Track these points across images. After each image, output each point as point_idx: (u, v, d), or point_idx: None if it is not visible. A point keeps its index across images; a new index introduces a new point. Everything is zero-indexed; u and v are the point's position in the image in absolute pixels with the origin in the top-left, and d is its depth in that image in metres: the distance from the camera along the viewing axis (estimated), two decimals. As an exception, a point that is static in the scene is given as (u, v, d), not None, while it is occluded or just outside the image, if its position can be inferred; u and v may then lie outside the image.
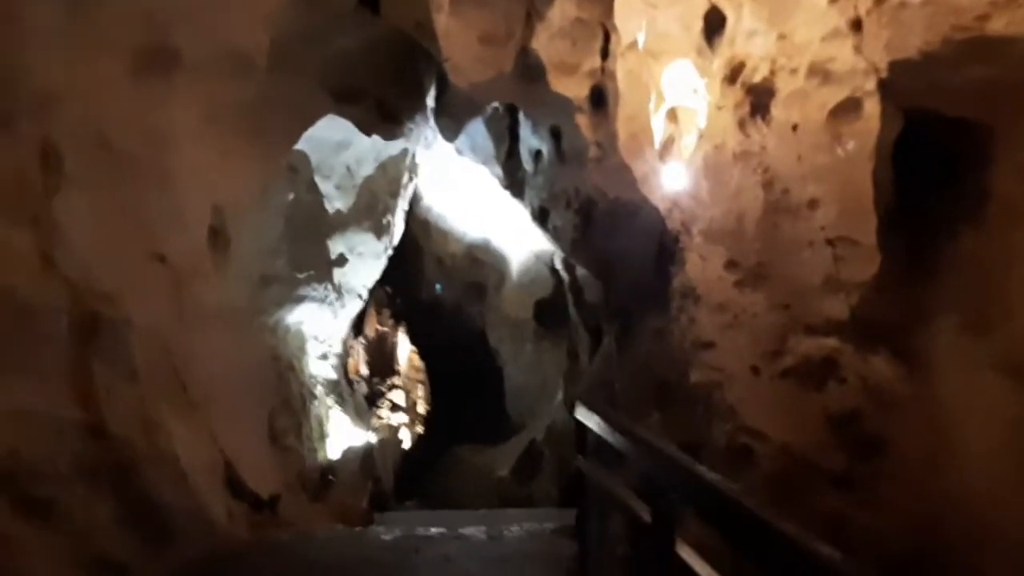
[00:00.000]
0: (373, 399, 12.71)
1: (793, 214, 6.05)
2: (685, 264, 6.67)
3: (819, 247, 5.93)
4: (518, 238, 12.96)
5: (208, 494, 4.32)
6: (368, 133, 7.96)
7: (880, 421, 5.34)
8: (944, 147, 5.35)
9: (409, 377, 14.21)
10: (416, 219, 13.95)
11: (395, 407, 13.18)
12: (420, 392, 14.20)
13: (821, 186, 5.91)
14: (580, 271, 8.57)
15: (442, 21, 6.73)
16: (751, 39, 6.27)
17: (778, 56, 6.16)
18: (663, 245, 7.03)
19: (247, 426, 5.31)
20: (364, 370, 12.90)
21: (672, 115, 7.39)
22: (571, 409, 5.35)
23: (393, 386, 13.43)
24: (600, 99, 6.99)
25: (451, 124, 7.97)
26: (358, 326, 12.64)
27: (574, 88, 6.89)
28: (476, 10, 6.64)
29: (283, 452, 6.34)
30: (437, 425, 14.11)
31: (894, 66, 5.44)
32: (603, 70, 6.91)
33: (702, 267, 6.50)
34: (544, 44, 6.49)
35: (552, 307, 12.57)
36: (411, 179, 11.08)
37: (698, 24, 6.92)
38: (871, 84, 5.61)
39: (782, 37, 6.01)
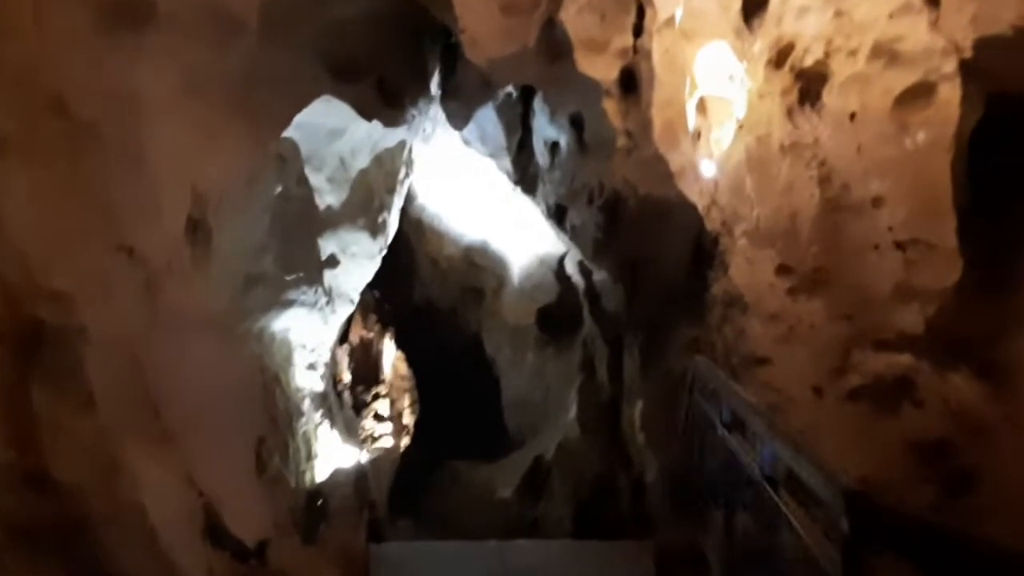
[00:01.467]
0: (356, 409, 12.19)
1: (855, 213, 5.50)
2: (728, 268, 6.05)
3: (887, 250, 5.36)
4: (520, 240, 12.48)
5: (183, 553, 3.53)
6: (368, 117, 7.28)
7: (969, 450, 4.74)
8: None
9: (394, 386, 13.66)
10: (409, 219, 13.48)
11: (379, 417, 12.62)
12: (406, 401, 13.64)
13: (886, 182, 5.36)
14: (597, 276, 7.94)
15: (460, -15, 6.05)
16: (802, 17, 5.66)
17: (834, 36, 5.57)
18: (700, 247, 6.44)
19: (232, 457, 4.59)
20: (347, 378, 12.37)
21: (704, 104, 6.79)
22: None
23: (377, 395, 12.89)
24: (631, 82, 6.40)
25: (460, 110, 7.34)
26: (343, 332, 12.20)
27: (602, 69, 6.28)
28: (498, -26, 5.99)
29: (271, 485, 5.62)
30: (429, 438, 13.47)
31: (981, 44, 4.89)
32: (636, 49, 6.31)
33: (749, 272, 5.90)
34: (572, 16, 5.85)
35: (557, 314, 12.11)
36: (408, 174, 10.45)
37: (737, 1, 6.32)
38: (950, 66, 5.05)
39: (839, 14, 5.40)
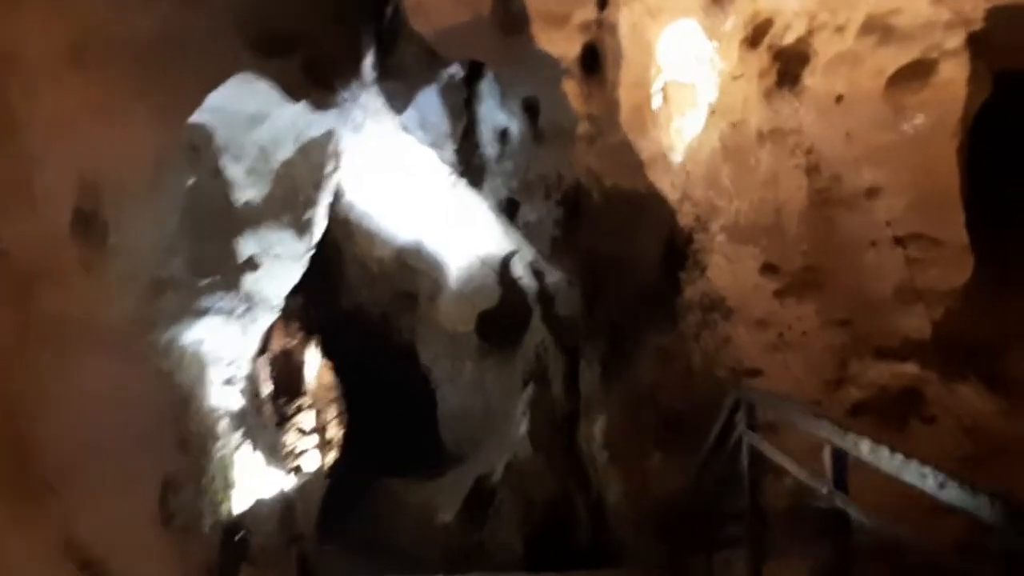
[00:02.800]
0: (279, 422, 11.46)
1: (848, 206, 5.17)
2: (705, 268, 5.54)
3: (885, 247, 5.00)
4: (458, 240, 11.64)
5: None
6: (295, 98, 6.56)
7: (989, 473, 4.29)
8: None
9: (319, 397, 13.00)
10: (336, 218, 12.37)
11: (303, 431, 11.93)
12: (331, 414, 12.99)
13: (882, 171, 5.05)
14: (551, 277, 7.37)
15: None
16: (782, -10, 5.18)
17: (819, 11, 5.13)
18: (672, 245, 5.92)
19: (129, 507, 3.83)
20: (267, 390, 11.69)
21: (666, 91, 6.30)
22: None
23: (300, 408, 12.24)
24: (594, 60, 5.91)
25: (399, 92, 6.71)
26: (264, 341, 11.39)
27: (563, 44, 5.75)
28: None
29: (180, 534, 4.84)
30: (360, 454, 12.77)
31: (994, 14, 4.52)
32: (600, 23, 5.77)
33: (731, 272, 5.43)
34: (531, -17, 5.24)
35: (499, 320, 11.39)
36: (336, 168, 9.71)
37: (706, -26, 5.85)
38: (955, 41, 4.70)
39: (825, -13, 4.93)
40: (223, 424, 7.83)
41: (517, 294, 10.07)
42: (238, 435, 8.01)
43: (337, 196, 12.58)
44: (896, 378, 4.69)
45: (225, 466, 7.48)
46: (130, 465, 3.84)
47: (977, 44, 4.60)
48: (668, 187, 5.83)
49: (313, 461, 11.67)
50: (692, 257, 5.78)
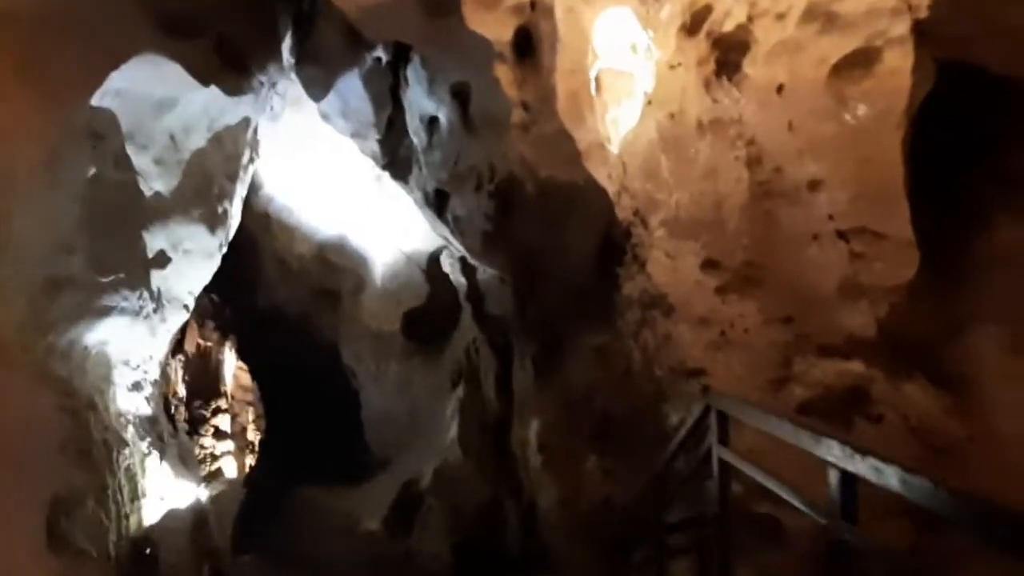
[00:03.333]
0: (194, 425, 11.46)
1: (790, 199, 5.01)
2: (645, 264, 5.36)
3: (828, 242, 4.87)
4: (383, 235, 11.56)
5: None
6: (205, 82, 6.15)
7: (938, 473, 4.20)
8: (975, 114, 4.53)
9: (236, 398, 13.13)
10: (253, 212, 12.33)
11: (220, 434, 12.00)
12: (250, 416, 13.07)
13: (824, 163, 4.92)
14: (483, 274, 7.10)
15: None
16: (722, -24, 5.01)
17: (760, -3, 4.96)
18: (609, 240, 5.70)
19: (6, 534, 3.40)
20: (182, 392, 11.57)
21: (600, 80, 6.13)
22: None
23: (218, 410, 12.33)
24: (528, 44, 5.63)
25: (319, 76, 6.35)
26: (177, 340, 11.10)
27: (495, 26, 5.48)
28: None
29: (72, 560, 4.41)
30: (278, 458, 12.70)
31: (939, 2, 4.41)
32: (534, 5, 5.52)
33: (671, 268, 5.25)
34: (461, -38, 4.96)
35: (426, 319, 11.23)
36: (252, 159, 9.35)
37: (641, -42, 5.67)
38: (900, 28, 4.55)
39: (767, -28, 4.74)
40: (131, 431, 7.33)
41: (445, 291, 9.78)
42: (147, 444, 7.51)
43: (254, 188, 12.13)
44: (841, 376, 4.56)
45: (133, 476, 6.99)
46: (7, 487, 3.44)
47: (922, 32, 4.50)
48: (605, 179, 5.63)
49: (231, 466, 11.50)
50: (630, 252, 5.59)
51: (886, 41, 4.57)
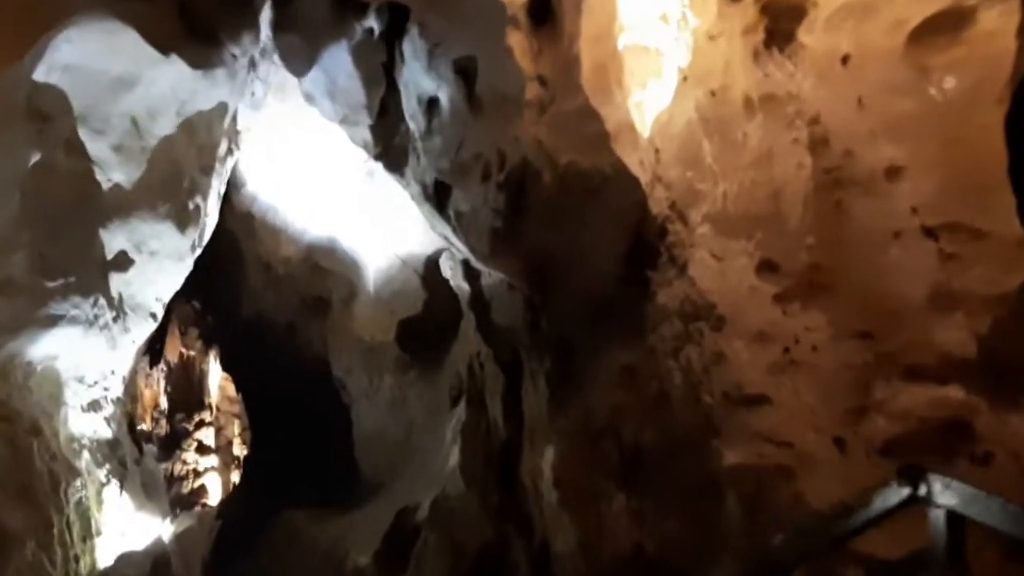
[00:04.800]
0: (176, 440, 11.41)
1: (864, 189, 4.31)
2: (686, 267, 4.61)
3: (913, 240, 4.22)
4: (377, 237, 10.98)
5: None
6: (164, 51, 5.45)
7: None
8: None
9: (221, 411, 12.84)
10: (236, 211, 11.93)
11: (204, 449, 11.79)
12: (236, 429, 12.74)
13: (903, 145, 4.04)
14: (489, 279, 6.38)
15: None
16: (771, -73, 4.54)
17: (820, -49, 4.38)
18: (641, 238, 4.96)
19: None
20: (164, 404, 11.69)
21: (630, 54, 5.48)
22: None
23: (201, 423, 12.09)
24: (546, 8, 4.88)
25: (300, 47, 5.62)
26: (156, 350, 11.39)
27: (507, -13, 4.70)
28: None
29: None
30: (262, 479, 12.16)
31: (1059, -56, 3.75)
32: (552, -38, 4.80)
33: (719, 272, 4.52)
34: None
35: (423, 329, 10.64)
36: (231, 151, 8.73)
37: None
38: None
39: (827, -81, 4.27)
40: (85, 458, 6.60)
41: (445, 299, 9.16)
42: (104, 472, 6.77)
43: (236, 185, 11.65)
44: (935, 406, 3.83)
45: (85, 512, 6.25)
46: None
47: None
48: (637, 166, 4.90)
49: (215, 482, 11.23)
50: (666, 253, 4.86)
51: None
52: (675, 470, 4.58)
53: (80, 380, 6.66)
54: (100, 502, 6.61)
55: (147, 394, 11.30)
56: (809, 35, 4.39)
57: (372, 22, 5.64)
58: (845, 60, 4.25)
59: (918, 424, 3.81)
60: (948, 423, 3.80)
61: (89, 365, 6.73)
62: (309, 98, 6.47)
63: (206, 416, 12.15)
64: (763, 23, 4.59)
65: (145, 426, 10.67)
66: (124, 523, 6.78)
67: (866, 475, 3.75)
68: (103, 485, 6.77)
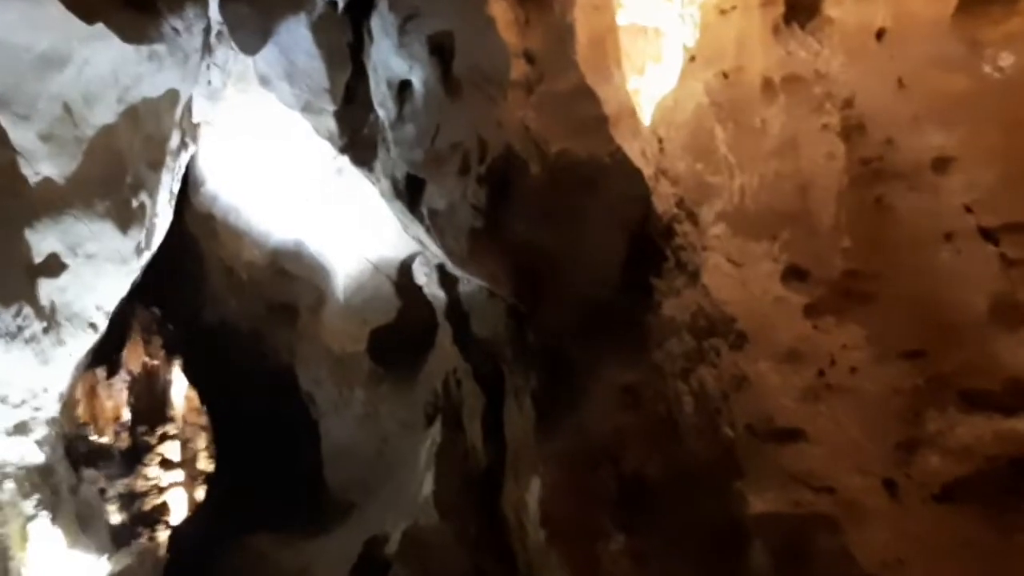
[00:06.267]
0: (138, 454, 10.75)
1: (909, 183, 3.81)
2: (698, 273, 4.04)
3: (968, 242, 3.58)
4: (346, 240, 10.44)
5: None
6: (90, 19, 4.78)
7: None
8: None
9: (188, 422, 12.18)
10: (196, 212, 11.45)
11: (168, 463, 11.12)
12: (201, 443, 12.14)
13: (954, 133, 3.55)
14: (467, 286, 5.79)
15: None
16: None
17: (849, -94, 3.89)
18: (642, 239, 4.39)
19: None
20: (127, 416, 10.99)
21: (624, 37, 4.98)
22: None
23: (165, 436, 11.43)
24: (534, -27, 4.28)
25: (251, 18, 4.97)
26: (114, 360, 10.83)
27: (490, -54, 4.11)
28: None
29: None
30: (225, 497, 11.48)
31: None
32: (543, -85, 4.23)
33: (738, 280, 3.96)
34: None
35: (397, 338, 10.13)
36: (185, 144, 8.09)
37: None
38: None
39: None
40: (8, 489, 5.91)
41: (419, 307, 8.61)
42: (32, 504, 6.09)
43: (195, 184, 11.12)
44: (1001, 440, 3.28)
45: (4, 551, 5.56)
46: None
47: None
48: (638, 156, 4.32)
49: (179, 498, 10.61)
50: (673, 257, 4.28)
51: (1045, -39, 3.42)
52: (687, 511, 3.99)
53: (3, 400, 5.98)
54: (24, 538, 5.93)
55: (108, 406, 10.81)
56: (837, 7, 3.88)
57: (338, -11, 5.04)
58: (880, 35, 3.73)
59: (982, 463, 3.24)
60: (1015, 462, 3.25)
61: (13, 383, 6.01)
62: (264, 80, 5.85)
63: (170, 429, 11.51)
64: (784, -6, 4.09)
65: (106, 439, 10.25)
66: (54, 562, 6.10)
67: (924, 526, 3.19)
68: (29, 519, 6.08)
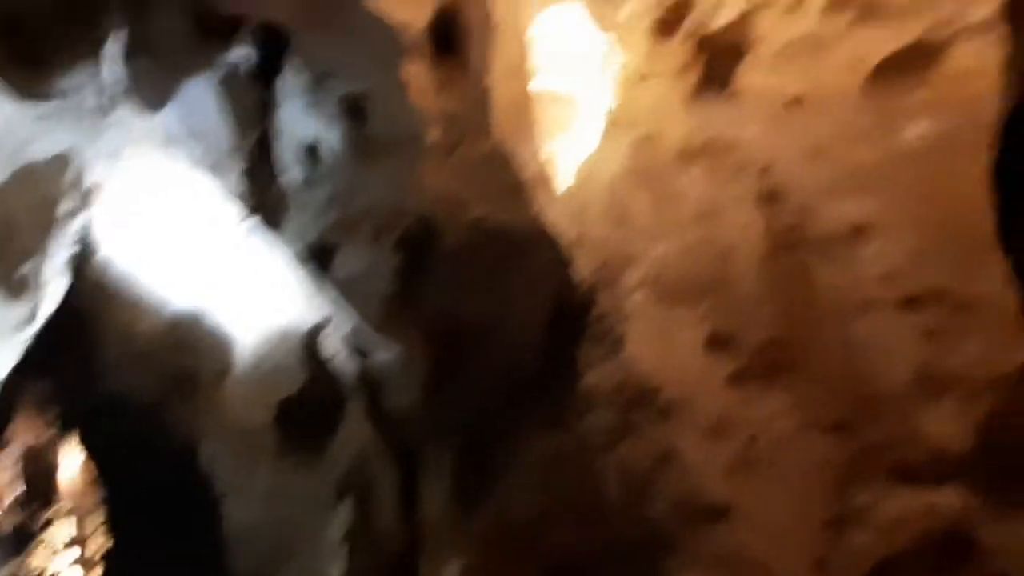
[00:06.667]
0: (25, 538, 10.11)
1: (826, 251, 3.78)
2: (621, 342, 3.97)
3: (889, 312, 3.67)
4: (251, 306, 9.84)
5: None
6: None
7: None
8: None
9: (79, 503, 11.30)
10: (87, 279, 10.62)
11: (56, 548, 10.41)
12: (97, 521, 11.33)
13: (869, 201, 3.64)
14: (381, 355, 5.61)
15: None
16: (706, -46, 4.21)
17: (763, -20, 3.97)
18: (564, 307, 4.32)
19: None
20: (9, 498, 10.30)
21: (544, 100, 4.99)
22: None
23: (49, 522, 10.62)
24: (451, 35, 4.27)
25: (156, 74, 4.79)
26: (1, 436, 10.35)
27: (406, 7, 4.09)
28: None
29: None
30: None
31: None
32: (459, -17, 4.23)
33: (661, 347, 3.89)
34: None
35: (305, 410, 9.53)
36: (78, 208, 7.83)
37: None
38: (979, 11, 3.45)
39: (773, -55, 3.91)
40: None
41: (329, 376, 8.38)
42: None
43: (90, 250, 10.71)
44: (930, 515, 3.25)
45: None
46: None
47: (1019, 14, 3.41)
48: (559, 222, 4.28)
49: None
50: (595, 325, 4.21)
51: (954, 31, 3.50)
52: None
53: None
54: None
55: (-11, 488, 10.17)
56: (753, 75, 3.90)
57: (243, 51, 4.93)
58: (797, 102, 3.81)
59: (910, 539, 3.19)
60: (947, 537, 3.21)
61: None
62: (170, 139, 5.68)
63: (61, 509, 10.72)
64: (699, 62, 4.11)
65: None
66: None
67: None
68: None
